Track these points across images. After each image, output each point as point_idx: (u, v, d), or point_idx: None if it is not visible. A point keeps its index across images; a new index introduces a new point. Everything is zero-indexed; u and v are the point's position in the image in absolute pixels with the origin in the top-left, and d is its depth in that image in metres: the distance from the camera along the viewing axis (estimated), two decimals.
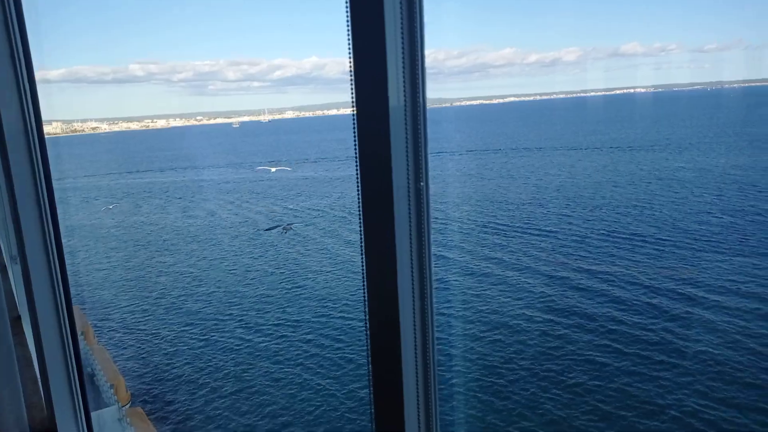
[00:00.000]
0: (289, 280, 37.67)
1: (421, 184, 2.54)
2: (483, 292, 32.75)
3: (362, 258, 2.61)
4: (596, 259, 36.51)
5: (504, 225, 48.21)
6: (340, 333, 28.78)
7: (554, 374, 22.78)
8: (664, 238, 40.00)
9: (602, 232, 43.06)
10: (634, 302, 28.92)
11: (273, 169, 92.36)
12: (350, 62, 2.43)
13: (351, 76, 2.44)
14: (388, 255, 2.55)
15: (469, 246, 42.53)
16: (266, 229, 52.19)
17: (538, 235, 43.87)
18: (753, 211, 45.77)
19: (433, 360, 2.75)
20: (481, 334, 26.99)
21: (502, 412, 20.62)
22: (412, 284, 2.65)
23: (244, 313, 32.69)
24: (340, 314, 31.08)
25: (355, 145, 2.50)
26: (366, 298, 2.65)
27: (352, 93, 2.46)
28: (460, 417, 20.43)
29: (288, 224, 53.38)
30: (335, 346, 27.40)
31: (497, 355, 24.89)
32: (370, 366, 2.68)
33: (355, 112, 2.47)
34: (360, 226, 2.57)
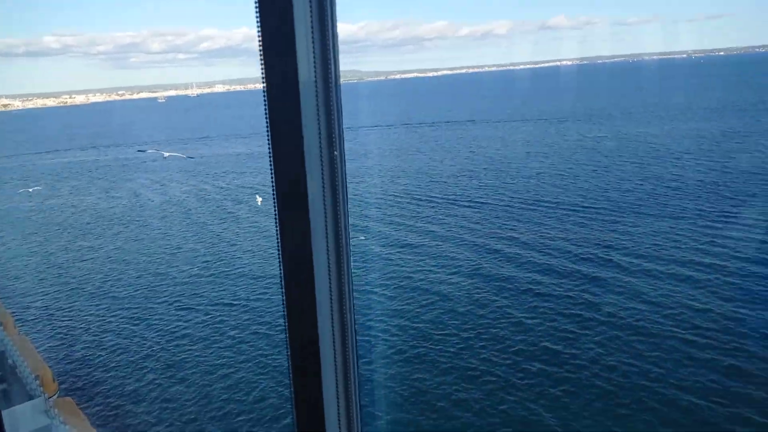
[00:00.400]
0: (216, 259, 36.84)
1: (335, 152, 2.54)
2: (413, 262, 33.24)
3: (276, 231, 2.60)
4: (526, 228, 37.67)
5: (437, 197, 48.93)
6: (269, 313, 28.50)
7: (478, 332, 23.80)
8: (589, 206, 41.75)
9: (531, 201, 44.48)
10: (560, 267, 30.17)
11: (164, 154, 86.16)
12: (259, 38, 2.41)
13: (260, 51, 2.43)
14: (302, 227, 2.56)
15: (402, 219, 42.94)
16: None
17: (469, 206, 44.76)
18: (670, 177, 48.50)
19: (353, 353, 2.80)
20: (408, 302, 27.54)
21: (428, 370, 21.21)
22: (328, 256, 2.65)
23: (173, 295, 31.70)
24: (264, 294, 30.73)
25: (266, 116, 2.48)
26: (282, 276, 2.63)
27: (261, 67, 2.45)
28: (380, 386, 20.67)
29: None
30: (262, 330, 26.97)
31: (426, 318, 25.55)
32: (290, 362, 2.69)
33: (264, 86, 2.44)
34: (273, 200, 2.56)
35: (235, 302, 29.90)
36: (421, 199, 48.61)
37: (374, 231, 40.32)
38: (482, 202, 45.65)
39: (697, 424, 17.13)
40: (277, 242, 2.58)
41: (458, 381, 20.58)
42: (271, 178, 2.53)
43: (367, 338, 24.26)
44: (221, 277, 33.88)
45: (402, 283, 30.30)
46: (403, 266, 32.82)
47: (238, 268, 35.25)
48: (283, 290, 2.63)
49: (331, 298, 2.65)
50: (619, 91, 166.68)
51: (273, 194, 2.54)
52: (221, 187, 61.63)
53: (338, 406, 2.73)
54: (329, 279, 2.64)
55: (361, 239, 36.70)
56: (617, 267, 29.65)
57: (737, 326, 22.60)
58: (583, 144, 72.32)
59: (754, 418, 17.08)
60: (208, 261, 37.05)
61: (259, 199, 52.76)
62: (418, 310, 26.94)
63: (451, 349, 22.85)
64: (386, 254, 35.21)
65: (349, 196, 2.78)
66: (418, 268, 32.25)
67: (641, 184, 47.13)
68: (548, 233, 36.26)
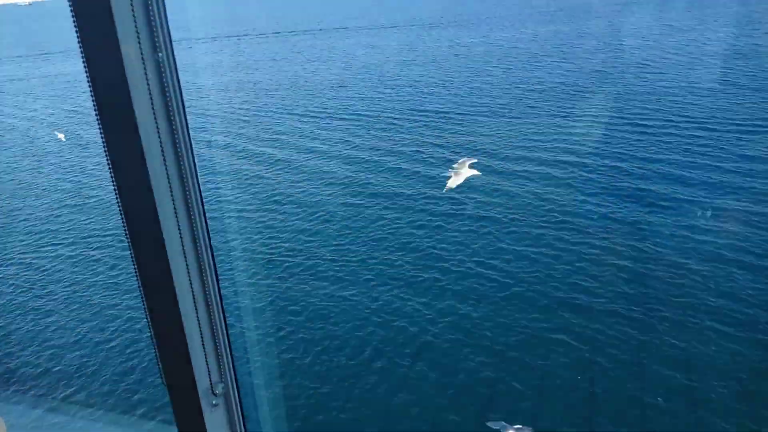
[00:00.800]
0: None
1: (160, 54, 2.29)
2: (288, 181, 32.59)
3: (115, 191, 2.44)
4: (403, 138, 37.95)
5: (314, 110, 47.60)
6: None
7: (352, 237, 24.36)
8: (463, 112, 42.85)
9: (408, 111, 44.75)
10: (441, 175, 31.00)
11: None
12: None
13: None
14: (142, 182, 2.34)
15: (279, 136, 41.48)
16: None
17: (344, 119, 44.12)
18: (535, 81, 50.97)
19: (216, 302, 2.72)
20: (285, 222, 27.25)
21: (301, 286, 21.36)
22: (174, 207, 2.47)
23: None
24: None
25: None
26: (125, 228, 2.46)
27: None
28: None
29: None
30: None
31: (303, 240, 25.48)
32: (150, 321, 2.63)
33: None
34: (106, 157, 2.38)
35: None
36: (298, 114, 47.04)
37: (245, 149, 38.83)
38: (360, 114, 45.13)
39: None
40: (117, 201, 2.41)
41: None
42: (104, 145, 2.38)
43: (230, 264, 23.51)
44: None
45: (272, 205, 29.62)
46: (275, 185, 32.04)
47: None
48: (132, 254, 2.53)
49: (182, 241, 2.54)
50: None
51: (105, 150, 2.36)
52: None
53: (206, 356, 2.71)
54: (180, 236, 2.52)
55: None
56: (492, 171, 30.96)
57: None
58: (455, 51, 73.23)
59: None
60: None
61: (61, 136, 46.40)
62: (291, 229, 26.60)
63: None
64: (259, 174, 34.04)
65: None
66: (292, 186, 31.62)
67: (508, 89, 49.08)
68: (427, 141, 36.82)
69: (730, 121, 34.98)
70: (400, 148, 35.70)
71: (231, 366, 2.91)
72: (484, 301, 19.59)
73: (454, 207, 26.91)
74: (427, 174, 31.19)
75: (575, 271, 20.67)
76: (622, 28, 79.87)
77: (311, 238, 25.31)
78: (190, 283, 2.58)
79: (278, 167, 34.73)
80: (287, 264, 23.32)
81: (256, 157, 37.16)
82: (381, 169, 32.84)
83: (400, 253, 23.26)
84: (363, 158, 34.79)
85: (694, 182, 26.92)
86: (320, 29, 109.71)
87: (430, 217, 26.15)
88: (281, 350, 18.02)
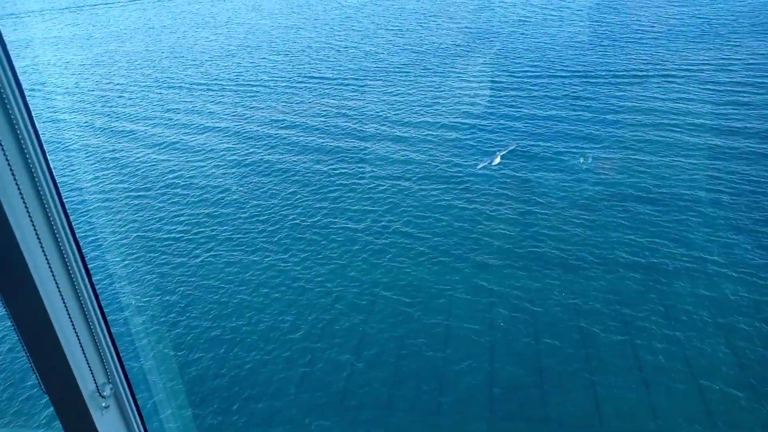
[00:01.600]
0: None
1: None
2: (171, 161, 31.28)
3: None
4: (296, 108, 37.35)
5: (198, 82, 45.52)
6: None
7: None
8: (353, 77, 42.72)
9: (299, 77, 43.93)
10: (336, 145, 31.02)
11: None
12: None
13: None
14: None
15: (156, 112, 39.40)
16: None
17: (236, 90, 42.66)
18: (421, 42, 51.67)
19: (89, 297, 2.60)
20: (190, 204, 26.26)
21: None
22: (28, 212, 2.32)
23: None
24: None
25: None
26: None
27: None
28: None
29: None
30: None
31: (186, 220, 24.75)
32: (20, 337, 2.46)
33: None
34: None
35: None
36: (177, 87, 44.72)
37: (114, 128, 36.64)
38: (251, 84, 43.72)
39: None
40: None
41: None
42: None
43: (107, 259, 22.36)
44: None
45: (154, 188, 28.35)
46: (161, 169, 30.57)
47: None
48: None
49: (38, 235, 2.39)
50: None
51: None
52: None
53: (86, 357, 2.62)
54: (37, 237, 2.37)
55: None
56: (377, 138, 31.18)
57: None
58: (342, 12, 72.27)
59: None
60: None
61: None
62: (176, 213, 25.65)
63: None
64: (138, 156, 32.33)
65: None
66: (176, 166, 30.34)
67: (396, 51, 49.41)
68: (320, 109, 36.43)
69: (606, 73, 37.44)
70: (293, 119, 35.05)
71: (118, 365, 2.78)
72: (388, 262, 19.98)
73: (350, 177, 26.85)
74: (321, 144, 30.96)
75: (471, 228, 21.56)
76: None
77: (197, 221, 24.35)
78: (54, 280, 2.41)
79: (159, 146, 33.00)
80: (172, 251, 22.33)
81: (128, 136, 35.00)
82: (274, 142, 32.09)
83: (296, 231, 23.00)
84: (253, 131, 33.70)
85: (575, 134, 28.68)
86: None
87: (329, 189, 26.04)
88: (178, 344, 17.33)
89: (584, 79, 36.52)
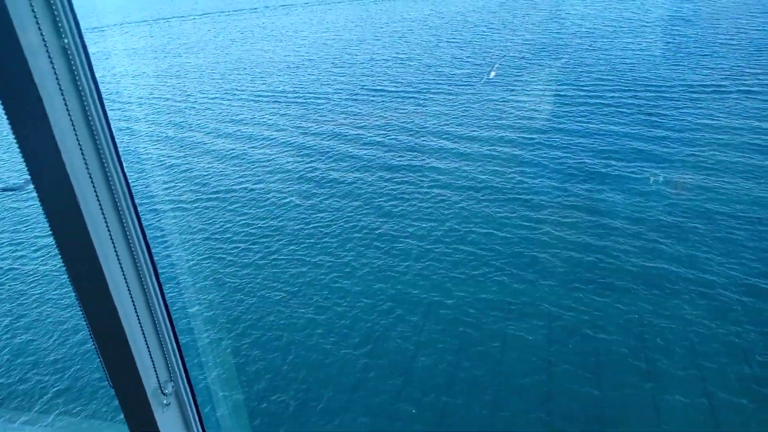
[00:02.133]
0: None
1: (65, 40, 2.18)
2: (238, 171, 32.03)
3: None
4: (370, 116, 37.75)
5: (277, 92, 46.77)
6: None
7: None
8: (418, 89, 42.75)
9: (372, 89, 44.39)
10: (398, 161, 31.06)
11: None
12: None
13: None
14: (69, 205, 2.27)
15: (227, 124, 40.63)
16: None
17: (307, 101, 43.53)
18: (485, 53, 51.27)
19: (156, 297, 2.70)
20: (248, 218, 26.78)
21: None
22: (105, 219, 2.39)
23: None
24: None
25: None
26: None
27: None
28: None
29: None
30: None
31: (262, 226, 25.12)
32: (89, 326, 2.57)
33: None
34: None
35: None
36: (243, 98, 46.09)
37: (185, 139, 37.93)
38: (321, 95, 44.57)
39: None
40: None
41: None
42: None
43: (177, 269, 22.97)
44: None
45: (222, 196, 29.09)
46: (223, 176, 31.40)
47: None
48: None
49: (111, 236, 2.49)
50: None
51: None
52: None
53: (151, 355, 2.70)
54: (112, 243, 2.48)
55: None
56: (439, 152, 30.95)
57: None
58: (411, 24, 72.80)
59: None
60: None
61: None
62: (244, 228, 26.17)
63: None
64: (207, 165, 33.35)
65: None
66: (242, 177, 31.08)
67: (459, 64, 49.18)
68: (383, 122, 36.67)
69: (680, 87, 35.93)
70: (355, 132, 35.37)
71: (180, 364, 2.87)
72: (453, 280, 19.76)
73: (411, 190, 26.80)
74: (382, 158, 31.11)
75: (532, 247, 21.02)
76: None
77: (262, 230, 24.92)
78: (125, 279, 2.52)
79: (227, 157, 34.06)
80: (237, 260, 22.84)
81: (198, 147, 36.17)
82: (336, 155, 32.45)
83: (360, 244, 23.14)
84: (318, 144, 34.19)
85: (645, 152, 27.59)
86: (259, 8, 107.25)
87: (392, 202, 26.10)
88: (238, 348, 17.72)
89: (656, 94, 35.17)
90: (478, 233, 22.12)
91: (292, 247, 23.01)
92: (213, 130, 39.01)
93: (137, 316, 2.60)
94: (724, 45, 45.12)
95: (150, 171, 33.87)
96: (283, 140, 35.32)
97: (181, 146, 36.69)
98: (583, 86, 38.38)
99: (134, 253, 2.56)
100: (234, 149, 34.95)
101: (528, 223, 22.49)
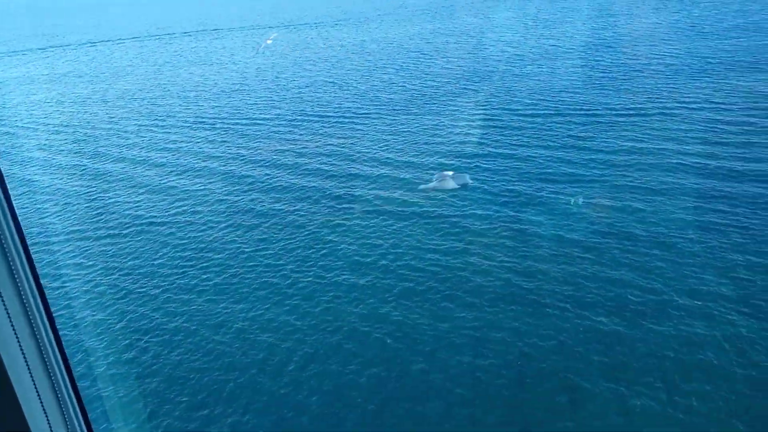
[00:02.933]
0: None
1: None
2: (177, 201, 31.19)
3: None
4: (304, 142, 37.52)
5: (209, 117, 45.89)
6: None
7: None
8: (369, 112, 42.97)
9: (313, 114, 44.20)
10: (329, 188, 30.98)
11: None
12: None
13: None
14: None
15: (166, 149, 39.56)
16: None
17: (246, 124, 42.94)
18: (417, 81, 52.27)
19: (47, 337, 2.42)
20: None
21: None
22: None
23: None
24: None
25: None
26: None
27: None
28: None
29: None
30: None
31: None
32: None
33: None
34: None
35: None
36: (193, 122, 45.07)
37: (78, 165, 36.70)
38: (261, 119, 44.05)
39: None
40: None
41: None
42: None
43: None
44: None
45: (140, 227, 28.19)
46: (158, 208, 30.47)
47: None
48: None
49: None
50: None
51: None
52: None
53: (42, 403, 2.40)
54: None
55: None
56: (370, 179, 30.83)
57: None
58: (350, 49, 73.41)
59: None
60: None
61: None
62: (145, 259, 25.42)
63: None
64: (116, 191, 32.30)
65: None
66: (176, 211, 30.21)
67: (404, 86, 49.93)
68: (318, 149, 36.53)
69: (601, 112, 37.59)
70: (284, 159, 34.70)
71: (78, 412, 2.56)
72: (382, 300, 19.61)
73: (341, 218, 26.51)
74: (311, 186, 30.91)
75: (463, 268, 21.23)
76: (492, 25, 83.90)
77: (182, 264, 23.88)
78: (10, 319, 2.23)
79: (150, 188, 32.59)
80: (150, 297, 21.84)
81: (119, 177, 34.57)
82: (263, 183, 31.81)
83: (291, 273, 22.72)
84: (249, 172, 33.27)
85: (568, 174, 28.57)
86: (191, 31, 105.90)
87: (324, 230, 25.83)
88: (146, 390, 16.82)
89: (580, 118, 36.63)
90: (406, 257, 22.11)
91: (214, 281, 22.29)
92: (138, 158, 37.72)
93: (24, 358, 2.32)
94: (644, 69, 47.72)
95: (52, 202, 32.00)
96: (213, 169, 34.30)
97: (100, 177, 34.99)
98: (510, 111, 39.45)
99: (21, 289, 2.30)
100: (160, 179, 33.64)
101: (458, 245, 22.73)
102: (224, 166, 34.64)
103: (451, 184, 27.72)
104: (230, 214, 27.91)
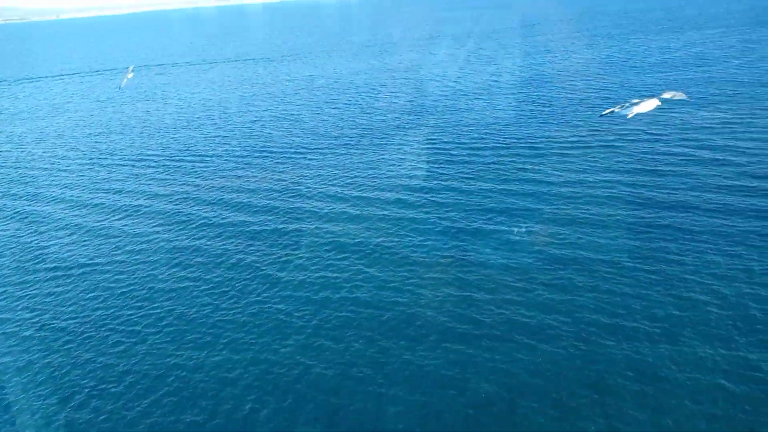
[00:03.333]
0: None
1: None
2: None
3: None
4: (249, 178, 37.15)
5: (156, 155, 44.93)
6: None
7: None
8: (318, 147, 42.98)
9: (262, 149, 43.87)
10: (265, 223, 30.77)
11: None
12: None
13: None
14: None
15: (114, 186, 38.45)
16: None
17: (192, 161, 42.26)
18: (361, 116, 53.03)
19: None
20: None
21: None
22: None
23: None
24: None
25: None
26: None
27: None
28: None
29: None
30: None
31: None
32: None
33: None
34: None
35: None
36: (137, 160, 44.00)
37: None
38: (208, 155, 43.43)
39: None
40: None
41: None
42: None
43: None
44: None
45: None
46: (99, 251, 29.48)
47: None
48: None
49: None
50: (309, 29, 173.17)
51: None
52: None
53: None
54: None
55: None
56: (313, 214, 30.78)
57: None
58: (298, 84, 73.66)
59: None
60: None
61: None
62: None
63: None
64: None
65: None
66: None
67: (352, 120, 50.39)
68: (262, 185, 36.17)
69: (539, 145, 38.88)
70: (235, 195, 34.34)
71: None
72: (318, 336, 19.42)
73: (287, 254, 26.24)
74: (261, 222, 30.65)
75: (408, 302, 21.38)
76: (435, 60, 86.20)
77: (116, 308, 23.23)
78: None
79: (86, 230, 31.28)
80: (86, 338, 21.09)
81: (52, 220, 33.21)
82: (215, 219, 31.46)
83: (233, 314, 22.30)
84: (193, 210, 32.70)
85: (509, 205, 29.31)
86: (135, 66, 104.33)
87: (267, 268, 25.48)
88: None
89: (522, 151, 37.58)
90: (358, 290, 22.06)
91: (155, 332, 21.58)
92: (78, 199, 36.24)
93: None
94: (582, 102, 49.71)
95: None
96: (158, 208, 33.29)
97: (36, 220, 33.39)
98: (456, 144, 40.22)
99: None
100: (101, 220, 32.41)
101: (404, 277, 22.77)
102: (169, 204, 33.73)
103: None
104: (174, 253, 27.18)
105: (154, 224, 31.18)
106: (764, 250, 22.53)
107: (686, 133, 38.08)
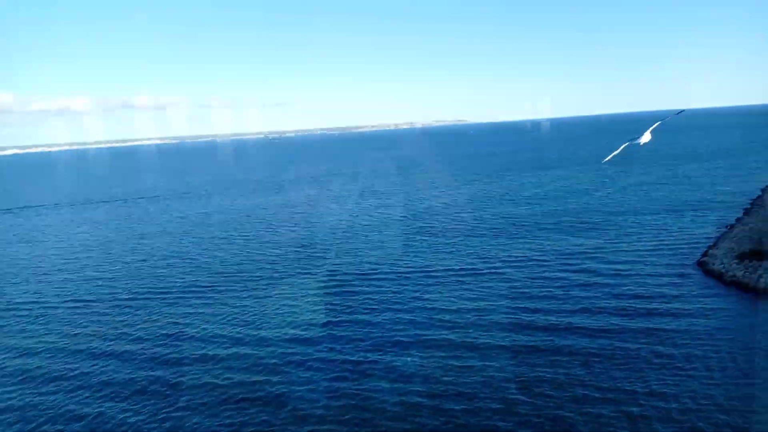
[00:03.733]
0: None
1: None
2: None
3: None
4: (130, 324, 34.32)
5: (24, 302, 40.63)
6: None
7: None
8: (213, 285, 41.15)
9: (151, 289, 41.14)
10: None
11: None
12: None
13: None
14: None
15: None
16: None
17: (70, 307, 38.58)
18: (244, 257, 52.52)
19: None
20: None
21: None
22: None
23: None
24: None
25: None
26: None
27: None
28: None
29: None
30: None
31: None
32: None
33: None
34: None
35: None
36: (3, 310, 39.37)
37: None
38: (84, 300, 39.90)
39: None
40: None
41: None
42: None
43: None
44: None
45: None
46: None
47: None
48: None
49: None
50: (204, 169, 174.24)
51: None
52: None
53: None
54: None
55: None
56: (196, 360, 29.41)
57: None
58: (191, 221, 72.05)
59: None
60: None
61: None
62: None
63: None
64: None
65: None
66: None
67: (249, 256, 49.45)
68: (139, 331, 33.52)
69: (435, 273, 39.95)
70: (112, 343, 30.89)
71: None
72: None
73: (167, 404, 24.11)
74: (141, 373, 27.77)
75: None
76: (332, 195, 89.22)
77: None
78: None
79: None
80: None
81: None
82: (91, 375, 27.78)
83: None
84: (67, 367, 29.24)
85: (406, 335, 29.27)
86: (12, 208, 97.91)
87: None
88: None
89: (420, 280, 38.42)
90: None
91: None
92: None
93: None
94: (471, 233, 52.42)
95: None
96: (23, 368, 28.93)
97: None
98: (356, 275, 40.29)
99: None
100: None
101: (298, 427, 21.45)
102: (35, 361, 29.81)
103: None
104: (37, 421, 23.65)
105: (19, 389, 26.99)
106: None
107: (565, 259, 41.06)
